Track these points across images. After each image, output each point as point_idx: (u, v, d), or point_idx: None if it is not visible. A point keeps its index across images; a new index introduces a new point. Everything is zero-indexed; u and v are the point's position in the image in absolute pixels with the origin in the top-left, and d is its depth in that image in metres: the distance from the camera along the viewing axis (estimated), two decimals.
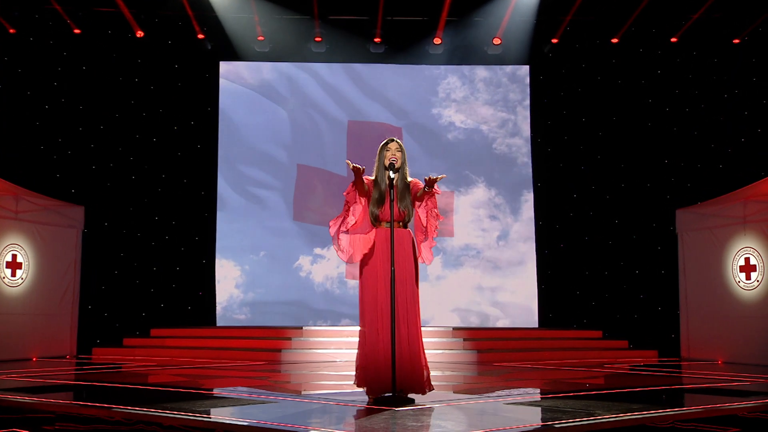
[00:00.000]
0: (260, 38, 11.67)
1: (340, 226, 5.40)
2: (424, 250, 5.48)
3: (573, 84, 12.18)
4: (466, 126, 12.14)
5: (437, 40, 11.66)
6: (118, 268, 11.49)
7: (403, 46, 11.95)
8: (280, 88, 11.99)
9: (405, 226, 5.41)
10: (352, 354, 9.33)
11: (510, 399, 5.75)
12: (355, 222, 5.40)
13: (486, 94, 12.17)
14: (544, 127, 12.14)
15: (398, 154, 5.36)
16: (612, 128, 12.04)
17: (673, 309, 10.93)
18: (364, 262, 5.37)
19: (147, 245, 11.61)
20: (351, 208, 5.40)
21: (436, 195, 5.39)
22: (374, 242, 5.35)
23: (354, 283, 11.45)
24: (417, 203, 5.43)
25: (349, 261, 5.43)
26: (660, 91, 12.00)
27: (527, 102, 12.17)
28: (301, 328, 10.25)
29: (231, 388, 6.66)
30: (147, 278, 11.54)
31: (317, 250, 11.69)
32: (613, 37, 11.72)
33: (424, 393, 5.28)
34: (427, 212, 5.43)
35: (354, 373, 5.34)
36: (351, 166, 5.12)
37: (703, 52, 11.89)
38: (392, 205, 5.19)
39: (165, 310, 11.43)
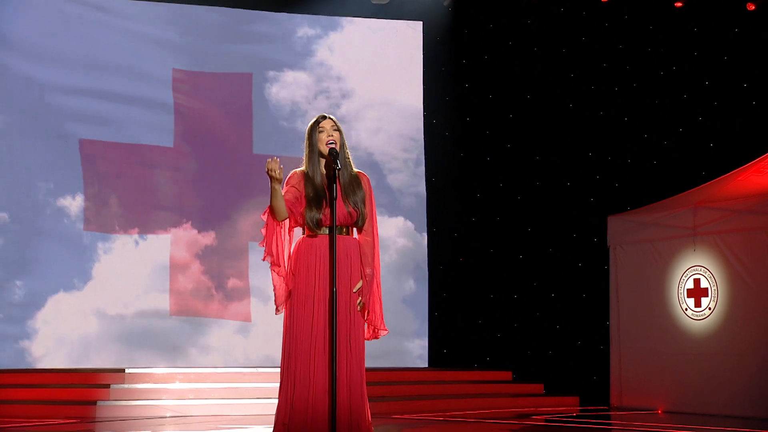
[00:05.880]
0: None
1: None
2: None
3: (478, 50, 12.56)
4: (333, 99, 12.25)
5: None
6: None
7: None
8: (59, 36, 11.45)
9: (351, 233, 5.40)
10: (193, 406, 9.43)
11: None
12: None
13: (365, 57, 12.36)
14: (440, 105, 12.46)
15: (336, 135, 5.34)
16: (526, 109, 12.52)
17: (600, 343, 11.56)
18: (294, 280, 5.32)
19: None
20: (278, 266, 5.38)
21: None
22: (311, 254, 5.32)
23: None
24: None
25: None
26: (584, 64, 12.60)
27: (419, 70, 12.47)
28: (123, 370, 9.98)
29: None
30: None
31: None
32: None
33: None
34: None
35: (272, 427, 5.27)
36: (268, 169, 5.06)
37: (637, 17, 12.59)
38: (333, 205, 5.14)
39: None
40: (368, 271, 5.33)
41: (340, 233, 5.31)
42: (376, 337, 5.44)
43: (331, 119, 5.40)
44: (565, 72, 12.61)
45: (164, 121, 11.70)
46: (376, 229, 5.47)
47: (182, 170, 11.71)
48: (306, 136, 5.43)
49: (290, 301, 5.32)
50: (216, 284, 11.57)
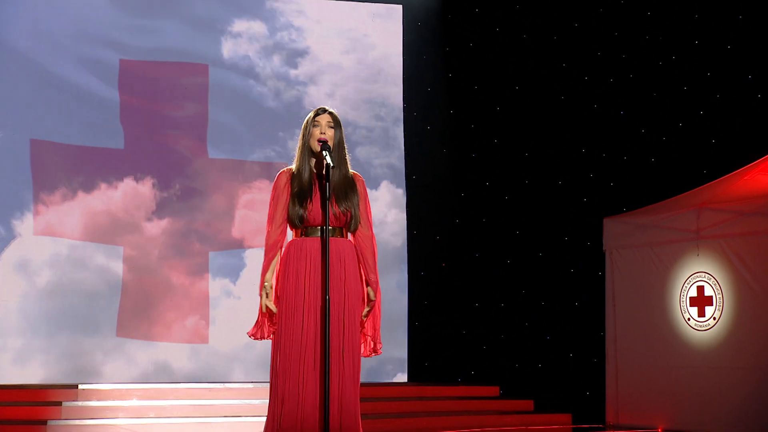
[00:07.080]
0: None
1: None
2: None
3: (462, 37, 12.52)
4: (305, 87, 12.20)
5: None
6: None
7: None
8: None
9: (344, 235, 5.37)
10: (153, 425, 9.30)
11: None
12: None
13: (340, 42, 12.29)
14: (421, 96, 12.42)
15: (330, 132, 5.32)
16: (514, 101, 12.46)
17: (594, 356, 11.44)
18: (282, 287, 5.28)
19: None
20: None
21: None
22: (301, 258, 5.27)
23: None
24: None
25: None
26: (577, 53, 12.52)
27: (399, 59, 12.38)
28: (76, 386, 9.93)
29: None
30: None
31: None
32: None
33: None
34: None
35: None
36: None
37: (634, 2, 12.50)
38: (326, 206, 5.12)
39: None
40: (373, 277, 5.36)
41: (332, 235, 5.28)
42: (376, 353, 5.42)
43: (330, 114, 5.41)
44: (556, 62, 12.52)
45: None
46: (374, 235, 5.49)
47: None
48: (301, 129, 5.44)
49: (278, 309, 5.28)
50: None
